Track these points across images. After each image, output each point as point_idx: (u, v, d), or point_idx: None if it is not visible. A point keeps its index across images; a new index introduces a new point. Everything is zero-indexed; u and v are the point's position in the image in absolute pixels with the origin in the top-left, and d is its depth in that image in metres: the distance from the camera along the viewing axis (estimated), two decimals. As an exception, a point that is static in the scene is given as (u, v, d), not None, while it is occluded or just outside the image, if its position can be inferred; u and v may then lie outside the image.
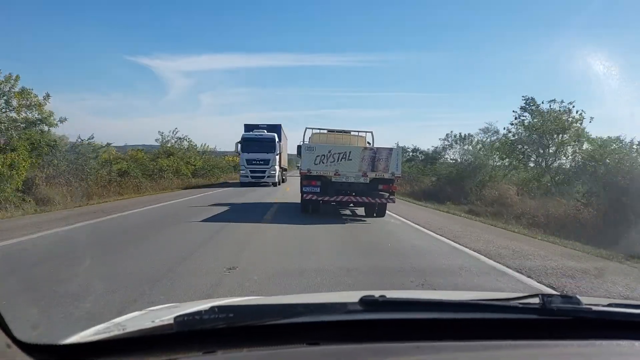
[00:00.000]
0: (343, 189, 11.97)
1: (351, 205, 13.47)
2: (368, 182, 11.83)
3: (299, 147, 13.51)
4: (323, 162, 11.80)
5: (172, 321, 1.19)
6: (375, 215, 12.78)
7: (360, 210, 13.82)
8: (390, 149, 11.95)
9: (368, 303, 1.26)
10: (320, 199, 11.91)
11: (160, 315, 1.49)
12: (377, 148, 11.99)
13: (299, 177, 13.01)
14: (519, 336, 1.26)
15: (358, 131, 14.68)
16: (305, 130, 14.26)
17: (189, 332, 1.16)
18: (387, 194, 11.93)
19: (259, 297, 2.35)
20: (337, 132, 14.61)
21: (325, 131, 14.52)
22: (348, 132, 14.63)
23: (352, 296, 1.32)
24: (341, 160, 11.77)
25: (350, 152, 11.84)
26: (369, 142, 14.45)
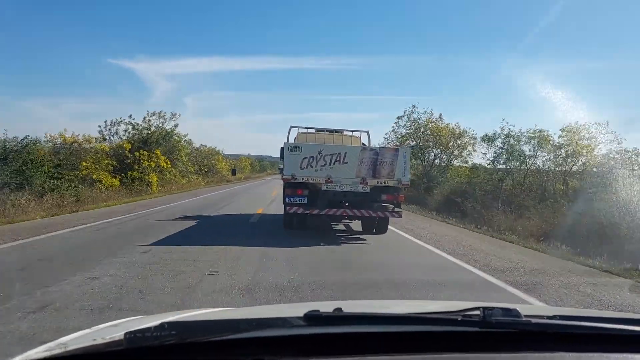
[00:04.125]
0: (337, 200, 9.56)
1: (346, 218, 11.14)
2: (368, 191, 9.44)
3: (282, 148, 11.17)
4: (311, 166, 9.39)
5: (122, 338, 1.17)
6: (375, 231, 10.49)
7: (357, 224, 11.48)
8: (396, 150, 9.59)
9: (311, 318, 1.25)
10: (307, 212, 9.47)
11: (112, 332, 1.40)
12: (380, 148, 9.64)
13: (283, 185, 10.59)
14: (464, 349, 1.25)
15: (352, 130, 12.37)
16: (290, 129, 11.84)
17: (138, 348, 1.14)
18: (392, 206, 9.59)
19: (219, 309, 2.08)
20: (327, 131, 12.25)
21: (314, 130, 12.14)
22: (340, 131, 12.27)
23: (312, 307, 1.31)
24: (334, 163, 9.37)
25: (345, 154, 9.43)
26: (364, 143, 12.17)
